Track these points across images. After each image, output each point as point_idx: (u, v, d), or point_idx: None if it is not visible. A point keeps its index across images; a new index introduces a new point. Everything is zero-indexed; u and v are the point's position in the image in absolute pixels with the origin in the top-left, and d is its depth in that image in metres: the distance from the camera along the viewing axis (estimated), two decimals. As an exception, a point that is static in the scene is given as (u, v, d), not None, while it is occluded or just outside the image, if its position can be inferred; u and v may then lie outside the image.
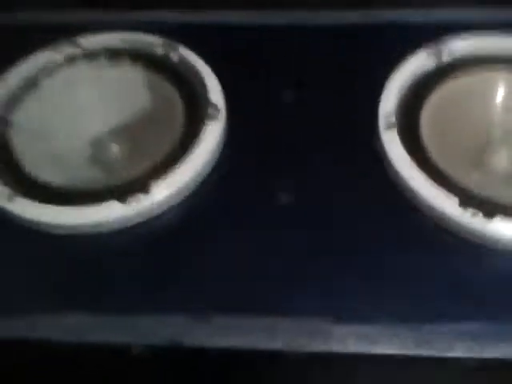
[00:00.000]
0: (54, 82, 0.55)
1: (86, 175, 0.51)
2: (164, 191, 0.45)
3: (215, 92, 0.51)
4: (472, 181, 0.47)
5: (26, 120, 0.52)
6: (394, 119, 0.49)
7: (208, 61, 0.54)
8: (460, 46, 0.54)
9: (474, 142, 0.52)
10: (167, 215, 0.46)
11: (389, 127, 0.48)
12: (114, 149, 0.54)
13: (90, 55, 0.56)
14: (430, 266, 0.42)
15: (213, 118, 0.50)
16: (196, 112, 0.51)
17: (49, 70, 0.55)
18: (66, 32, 0.58)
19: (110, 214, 0.44)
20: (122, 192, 0.44)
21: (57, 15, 0.63)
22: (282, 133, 0.52)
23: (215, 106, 0.50)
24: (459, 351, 0.38)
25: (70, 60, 0.56)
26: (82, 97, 0.55)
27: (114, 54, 0.56)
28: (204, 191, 0.47)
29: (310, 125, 0.52)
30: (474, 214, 0.42)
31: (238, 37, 0.60)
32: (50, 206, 0.44)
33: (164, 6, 0.63)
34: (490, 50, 0.54)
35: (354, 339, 0.38)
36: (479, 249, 0.42)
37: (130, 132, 0.55)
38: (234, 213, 0.46)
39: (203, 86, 0.52)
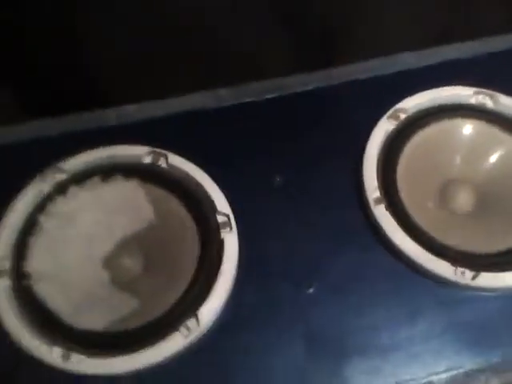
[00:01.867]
0: (53, 218, 0.55)
1: (118, 304, 0.54)
2: (211, 315, 0.50)
3: (219, 199, 0.56)
4: (447, 231, 0.57)
5: (41, 267, 0.53)
6: (379, 194, 0.57)
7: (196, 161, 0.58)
8: (411, 103, 0.62)
9: (440, 188, 0.61)
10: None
11: (377, 203, 0.56)
12: (128, 264, 0.57)
13: (81, 180, 0.57)
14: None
15: (224, 226, 0.54)
16: (205, 221, 0.55)
17: (43, 205, 0.55)
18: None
19: (171, 350, 0.48)
20: (173, 325, 0.49)
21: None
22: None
23: (224, 214, 0.55)
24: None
25: (61, 189, 0.56)
26: (83, 224, 0.57)
27: (106, 173, 0.57)
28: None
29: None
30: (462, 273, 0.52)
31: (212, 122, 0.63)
32: (113, 358, 0.47)
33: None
34: (436, 101, 0.63)
35: None
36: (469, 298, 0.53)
37: (140, 246, 0.58)
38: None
39: (205, 193, 0.56)
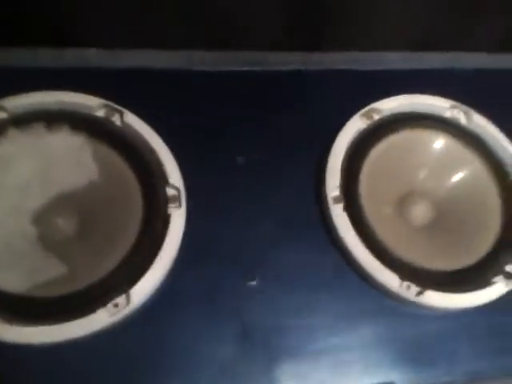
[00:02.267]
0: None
1: (43, 266, 0.49)
2: (143, 295, 0.46)
3: (173, 170, 0.51)
4: (401, 241, 0.55)
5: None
6: (339, 193, 0.54)
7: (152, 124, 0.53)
8: (387, 105, 0.60)
9: (402, 196, 0.60)
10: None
11: (335, 202, 0.54)
12: (60, 223, 0.52)
13: (22, 123, 0.51)
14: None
15: (174, 201, 0.50)
16: (152, 192, 0.50)
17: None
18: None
19: (95, 326, 0.44)
20: (101, 300, 0.45)
21: None
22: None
23: (174, 187, 0.51)
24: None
25: (0, 130, 0.50)
26: (18, 171, 0.51)
27: (51, 122, 0.51)
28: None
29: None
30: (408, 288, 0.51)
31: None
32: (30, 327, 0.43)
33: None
34: (412, 108, 0.61)
35: None
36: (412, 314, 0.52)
37: (76, 206, 0.53)
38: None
39: (157, 161, 0.51)
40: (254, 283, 0.51)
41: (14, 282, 0.46)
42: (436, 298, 0.51)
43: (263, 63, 0.61)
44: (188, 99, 0.58)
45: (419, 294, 0.51)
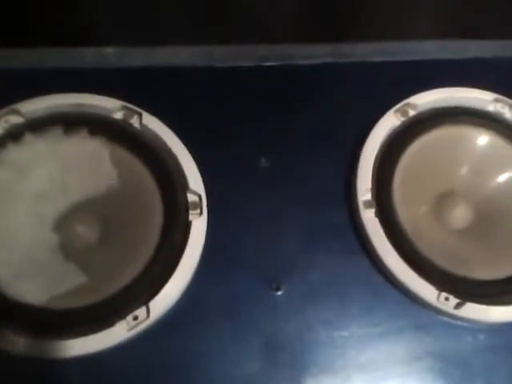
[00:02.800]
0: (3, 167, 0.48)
1: (64, 276, 0.48)
2: (163, 307, 0.44)
3: (193, 175, 0.49)
4: (438, 247, 0.52)
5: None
6: (370, 197, 0.51)
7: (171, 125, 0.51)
8: (423, 99, 0.56)
9: (440, 197, 0.56)
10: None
11: (366, 206, 0.50)
12: (81, 230, 0.51)
13: (39, 127, 0.49)
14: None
15: (194, 207, 0.48)
16: (172, 198, 0.48)
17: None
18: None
19: (114, 340, 0.43)
20: (120, 312, 0.43)
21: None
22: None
23: (195, 193, 0.49)
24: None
25: (15, 135, 0.49)
26: (36, 178, 0.50)
27: (69, 125, 0.50)
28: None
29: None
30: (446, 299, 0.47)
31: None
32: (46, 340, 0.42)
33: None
34: (451, 102, 0.56)
35: None
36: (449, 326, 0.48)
37: (96, 213, 0.51)
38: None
39: (177, 165, 0.49)
40: (279, 293, 0.48)
41: (34, 293, 0.45)
42: (477, 311, 0.47)
43: (289, 57, 0.58)
44: (209, 97, 0.55)
45: (458, 306, 0.47)
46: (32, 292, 0.45)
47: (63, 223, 0.50)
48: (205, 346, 0.45)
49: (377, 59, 0.59)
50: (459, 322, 0.48)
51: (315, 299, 0.49)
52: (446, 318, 0.48)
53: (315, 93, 0.58)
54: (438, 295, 0.47)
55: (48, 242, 0.49)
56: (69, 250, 0.49)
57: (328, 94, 0.58)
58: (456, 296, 0.47)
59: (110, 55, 0.57)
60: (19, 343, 0.42)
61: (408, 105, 0.55)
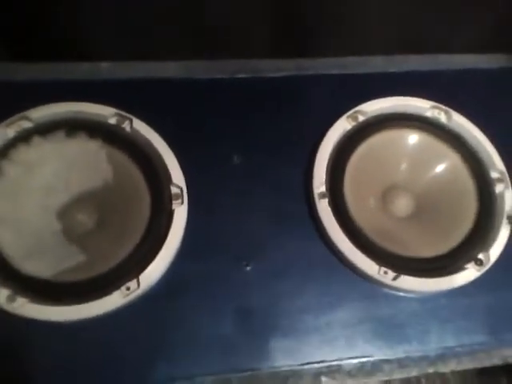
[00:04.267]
0: (15, 165, 0.57)
1: (67, 255, 0.57)
2: (150, 279, 0.54)
3: (176, 171, 0.58)
4: (383, 232, 0.62)
5: (0, 211, 0.55)
6: (324, 189, 0.61)
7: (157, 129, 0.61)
8: (371, 107, 0.66)
9: (385, 190, 0.66)
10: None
11: (321, 197, 0.60)
12: (80, 218, 0.60)
13: (45, 131, 0.58)
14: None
15: (177, 197, 0.58)
16: (159, 190, 0.58)
17: (6, 150, 0.57)
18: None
19: (110, 306, 0.52)
20: (115, 284, 0.53)
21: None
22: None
23: (177, 186, 0.58)
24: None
25: (26, 137, 0.58)
26: (43, 175, 0.59)
27: (70, 129, 0.59)
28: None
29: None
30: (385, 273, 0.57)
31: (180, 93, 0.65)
32: (54, 306, 0.51)
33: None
34: (395, 109, 0.67)
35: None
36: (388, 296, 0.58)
37: (94, 204, 0.60)
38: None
39: (163, 163, 0.59)
40: (248, 269, 0.58)
41: (43, 269, 0.54)
42: (411, 282, 0.57)
43: (258, 71, 0.67)
44: (189, 105, 0.65)
45: (395, 278, 0.57)
46: (40, 268, 0.54)
47: (66, 212, 0.60)
48: (186, 312, 0.55)
49: (333, 72, 0.69)
50: (396, 292, 0.58)
51: (279, 275, 0.58)
52: (385, 289, 0.58)
53: (281, 101, 0.67)
54: (379, 269, 0.57)
55: (53, 228, 0.58)
56: (71, 235, 0.59)
57: (292, 103, 0.67)
58: (393, 270, 0.57)
59: (104, 69, 0.66)
60: (31, 309, 0.51)
61: (358, 111, 0.65)
